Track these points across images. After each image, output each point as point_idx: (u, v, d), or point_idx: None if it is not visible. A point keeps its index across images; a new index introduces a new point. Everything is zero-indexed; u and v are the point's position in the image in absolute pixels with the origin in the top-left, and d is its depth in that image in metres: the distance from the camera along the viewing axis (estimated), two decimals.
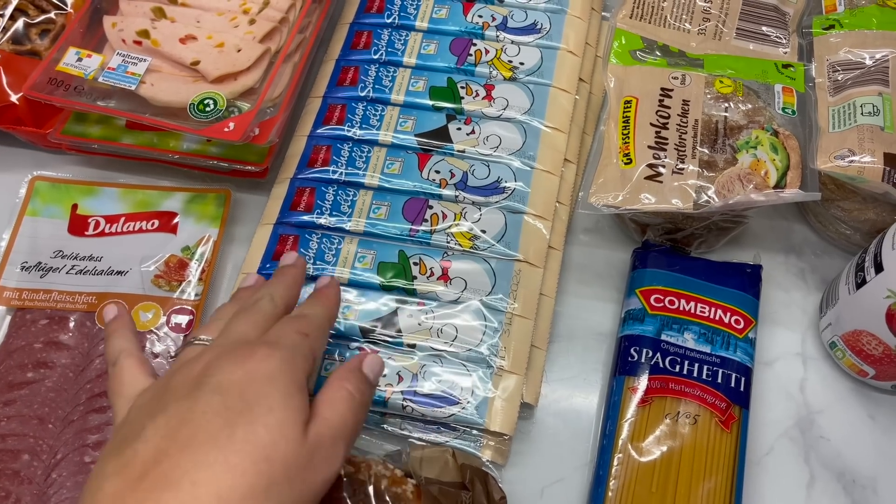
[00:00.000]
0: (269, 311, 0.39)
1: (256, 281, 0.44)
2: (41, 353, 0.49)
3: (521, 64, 0.58)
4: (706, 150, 0.49)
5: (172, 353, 0.49)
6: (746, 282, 0.51)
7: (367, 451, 0.44)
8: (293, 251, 0.46)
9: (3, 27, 0.56)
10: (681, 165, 0.48)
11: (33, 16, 0.57)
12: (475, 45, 0.59)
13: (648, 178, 0.48)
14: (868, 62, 0.52)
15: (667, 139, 0.49)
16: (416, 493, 0.40)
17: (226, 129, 0.49)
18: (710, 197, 0.47)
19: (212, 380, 0.33)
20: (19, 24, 0.57)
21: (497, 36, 0.60)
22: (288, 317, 0.39)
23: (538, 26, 0.60)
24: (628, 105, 0.51)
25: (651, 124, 0.50)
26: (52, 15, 0.57)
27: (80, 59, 0.52)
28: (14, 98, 0.55)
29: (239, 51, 0.53)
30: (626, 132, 0.50)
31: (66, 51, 0.53)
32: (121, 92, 0.52)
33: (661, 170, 0.48)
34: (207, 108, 0.50)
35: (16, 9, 0.57)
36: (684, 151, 0.49)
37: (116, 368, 0.38)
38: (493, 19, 0.60)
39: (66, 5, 0.58)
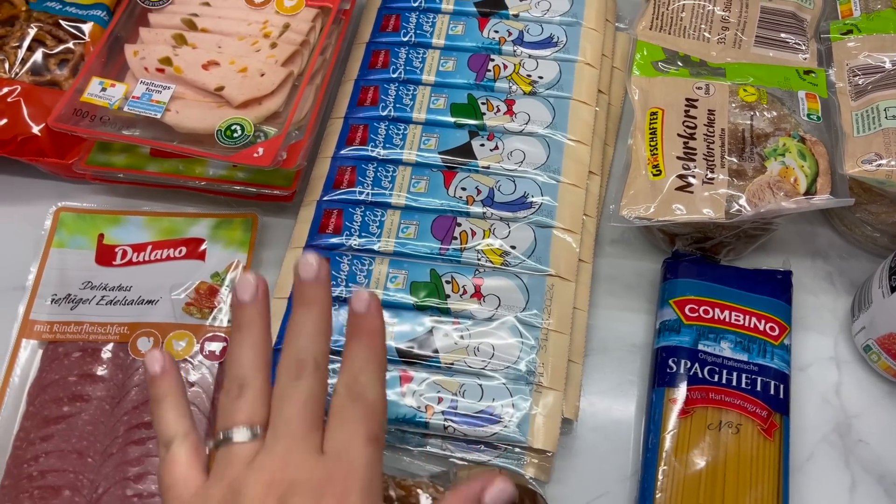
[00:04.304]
0: (319, 388, 0.34)
1: (255, 291, 0.36)
2: (76, 386, 0.49)
3: (540, 78, 0.58)
4: (734, 159, 0.49)
5: (211, 384, 0.49)
6: (778, 288, 0.51)
7: (414, 474, 0.44)
8: (310, 258, 0.36)
9: (22, 58, 0.56)
10: (710, 175, 0.49)
11: (51, 46, 0.57)
12: (493, 60, 0.59)
13: (679, 188, 0.48)
14: (888, 66, 0.52)
15: (695, 149, 0.50)
16: None
17: (255, 155, 0.49)
18: (741, 206, 0.47)
19: None
20: (38, 55, 0.56)
21: (514, 51, 0.60)
22: (347, 402, 0.34)
23: (554, 40, 0.60)
24: (654, 116, 0.51)
25: (678, 135, 0.50)
26: (70, 45, 0.57)
27: (104, 89, 0.52)
28: (36, 129, 0.55)
29: (262, 75, 0.53)
30: (653, 144, 0.50)
31: (89, 81, 0.52)
32: (145, 120, 0.52)
33: (692, 180, 0.49)
34: (235, 134, 0.50)
35: (33, 39, 0.57)
36: (713, 161, 0.49)
37: (169, 456, 0.34)
38: (510, 34, 0.61)
39: (83, 35, 0.57)
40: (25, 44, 0.57)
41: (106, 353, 0.50)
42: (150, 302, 0.52)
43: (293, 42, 0.55)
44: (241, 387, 0.34)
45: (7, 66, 0.56)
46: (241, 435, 0.33)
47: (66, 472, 0.46)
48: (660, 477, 0.45)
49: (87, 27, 0.58)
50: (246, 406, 0.34)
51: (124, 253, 0.54)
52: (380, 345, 0.36)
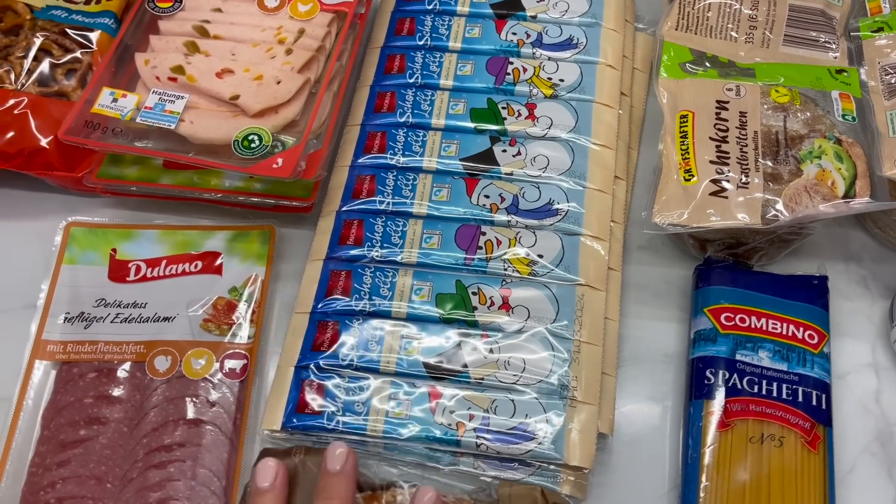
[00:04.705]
0: None
1: (273, 480, 0.38)
2: (92, 408, 0.47)
3: (561, 81, 0.57)
4: (769, 163, 0.48)
5: (232, 404, 0.47)
6: (814, 294, 0.49)
7: (453, 486, 0.42)
8: (340, 447, 0.38)
9: (28, 69, 0.54)
10: (745, 179, 0.47)
11: (58, 56, 0.55)
12: (512, 63, 0.58)
13: (713, 193, 0.47)
14: None
15: (728, 153, 0.48)
16: None
17: (274, 166, 0.47)
18: (778, 211, 0.46)
19: None
20: (44, 65, 0.55)
21: (534, 53, 0.58)
22: None
23: (574, 41, 0.59)
24: (684, 120, 0.50)
25: (710, 138, 0.49)
26: (77, 54, 0.55)
27: (115, 100, 0.50)
28: (44, 142, 0.53)
29: (278, 82, 0.51)
30: (684, 147, 0.49)
31: (99, 91, 0.51)
32: (158, 131, 0.50)
33: (726, 185, 0.47)
34: (253, 145, 0.48)
35: (39, 49, 0.55)
36: (747, 165, 0.48)
37: None
38: (528, 36, 0.59)
39: (91, 43, 0.56)
40: (31, 54, 0.55)
41: (122, 372, 0.48)
42: (166, 319, 0.50)
43: (309, 48, 0.53)
44: None
45: (13, 77, 0.54)
46: None
47: (84, 499, 0.45)
48: (701, 493, 0.43)
49: (94, 35, 0.56)
50: None
51: (138, 268, 0.52)
52: None
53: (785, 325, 0.48)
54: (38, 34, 0.55)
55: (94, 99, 0.51)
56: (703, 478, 0.43)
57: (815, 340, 0.47)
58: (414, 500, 0.37)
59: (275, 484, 0.38)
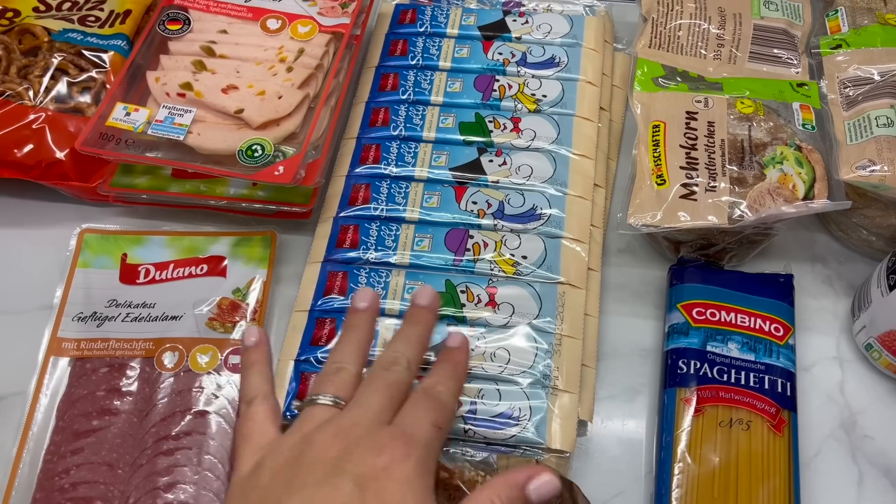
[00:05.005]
0: (405, 380, 0.39)
1: (370, 303, 0.42)
2: (104, 400, 0.50)
3: (544, 96, 0.61)
4: (735, 168, 0.51)
5: (235, 396, 0.50)
6: (781, 291, 0.53)
7: (454, 460, 0.45)
8: (428, 288, 0.43)
9: (46, 87, 0.58)
10: (713, 183, 0.51)
11: (74, 75, 0.59)
12: (498, 80, 0.62)
13: (683, 196, 0.51)
14: (876, 77, 0.55)
15: (697, 159, 0.52)
16: None
17: (276, 173, 0.51)
18: (743, 211, 0.50)
19: (351, 470, 0.33)
20: (62, 83, 0.58)
21: (518, 71, 0.62)
22: (423, 395, 0.38)
23: (556, 60, 0.63)
24: (657, 129, 0.54)
25: (680, 146, 0.53)
26: (92, 73, 0.59)
27: (128, 114, 0.54)
28: (60, 154, 0.57)
29: (280, 97, 0.55)
30: (657, 155, 0.52)
31: (113, 106, 0.55)
32: (167, 143, 0.54)
33: (695, 188, 0.51)
34: (256, 154, 0.52)
35: (57, 69, 0.59)
36: (715, 170, 0.51)
37: (251, 411, 0.38)
38: (513, 56, 0.63)
39: (105, 63, 0.60)
40: (49, 73, 0.59)
41: (132, 368, 0.52)
42: (174, 318, 0.53)
43: (308, 66, 0.57)
44: (337, 369, 0.39)
45: (31, 94, 0.58)
46: (324, 399, 0.37)
47: (97, 484, 0.47)
48: (675, 473, 0.46)
49: (107, 56, 0.60)
50: (337, 381, 0.38)
51: (147, 271, 0.56)
52: (462, 372, 0.41)
53: (752, 318, 0.51)
54: (55, 55, 0.59)
55: (109, 113, 0.55)
56: (677, 459, 0.46)
57: (781, 333, 0.51)
58: (446, 341, 0.42)
59: (371, 307, 0.42)
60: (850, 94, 0.55)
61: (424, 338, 0.41)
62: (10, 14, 0.62)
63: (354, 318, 0.42)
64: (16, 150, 0.56)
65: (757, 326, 0.51)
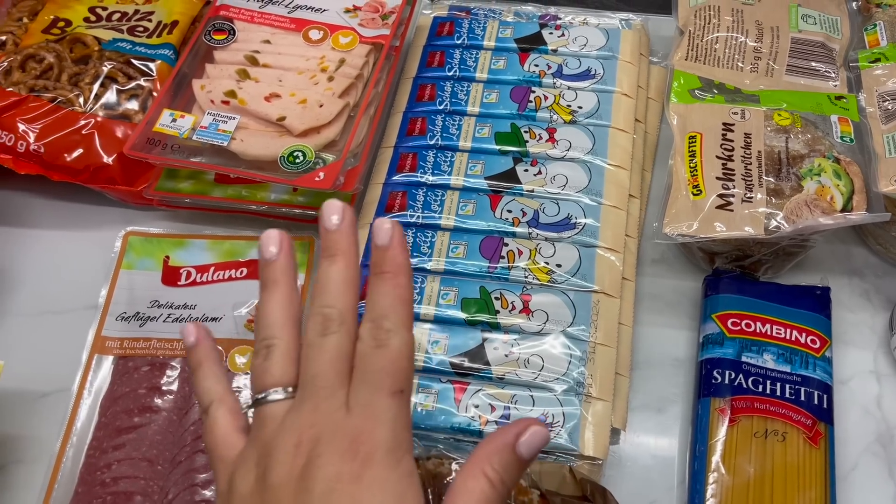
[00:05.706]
0: (346, 340, 0.33)
1: (281, 246, 0.35)
2: (145, 398, 0.52)
3: (580, 108, 0.61)
4: (772, 179, 0.51)
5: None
6: (817, 303, 0.52)
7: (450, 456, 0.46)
8: (338, 207, 0.35)
9: (96, 94, 0.60)
10: (749, 194, 0.51)
11: (123, 83, 0.61)
12: (534, 91, 0.63)
13: (719, 207, 0.51)
14: None
15: (733, 170, 0.52)
16: (542, 502, 0.41)
17: (316, 179, 0.52)
18: (779, 223, 0.50)
19: (319, 491, 0.30)
20: (111, 91, 0.60)
21: (554, 83, 0.63)
22: (371, 353, 0.32)
23: (592, 72, 0.63)
24: (693, 140, 0.54)
25: (717, 157, 0.53)
26: (140, 81, 0.61)
27: (174, 120, 0.56)
28: (107, 159, 0.58)
29: (321, 106, 0.56)
30: (693, 165, 0.53)
31: (160, 113, 0.56)
32: (211, 148, 0.56)
33: (731, 199, 0.51)
34: (297, 160, 0.53)
35: (106, 77, 0.61)
36: (751, 181, 0.51)
37: (209, 420, 0.35)
38: (549, 68, 0.64)
39: (152, 72, 0.62)
40: (99, 81, 0.61)
41: (173, 367, 0.53)
42: (213, 319, 0.55)
43: (349, 76, 0.58)
44: (268, 347, 0.34)
45: (82, 100, 0.60)
46: (274, 395, 0.33)
47: (137, 479, 0.49)
48: (709, 483, 0.46)
49: (154, 65, 0.62)
50: (274, 367, 0.33)
51: (188, 274, 0.57)
52: (404, 283, 0.34)
53: (788, 330, 0.51)
54: (105, 63, 0.61)
55: (156, 119, 0.56)
56: (711, 468, 0.46)
57: (818, 345, 0.50)
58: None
59: (282, 253, 0.35)
60: (889, 107, 0.55)
61: (351, 272, 0.34)
62: (62, 24, 0.64)
63: (267, 271, 0.35)
64: (66, 155, 0.58)
65: (793, 338, 0.51)
